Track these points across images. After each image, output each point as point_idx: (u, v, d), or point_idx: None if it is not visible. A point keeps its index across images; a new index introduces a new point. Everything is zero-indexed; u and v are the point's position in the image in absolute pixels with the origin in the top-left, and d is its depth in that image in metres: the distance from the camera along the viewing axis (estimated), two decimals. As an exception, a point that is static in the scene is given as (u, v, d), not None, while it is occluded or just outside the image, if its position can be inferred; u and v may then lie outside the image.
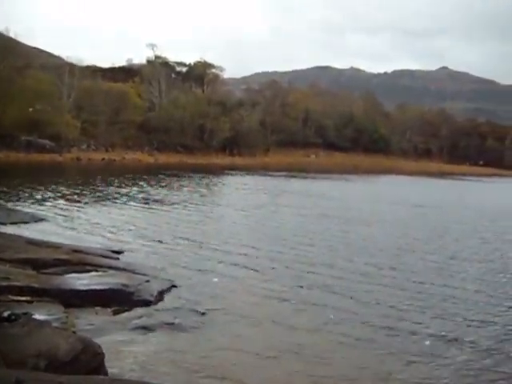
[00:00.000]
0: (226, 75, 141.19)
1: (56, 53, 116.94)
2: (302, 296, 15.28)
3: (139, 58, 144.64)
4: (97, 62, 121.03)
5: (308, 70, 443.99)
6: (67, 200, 33.98)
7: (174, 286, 15.48)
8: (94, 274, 15.01)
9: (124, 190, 42.86)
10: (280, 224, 29.16)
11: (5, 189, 37.24)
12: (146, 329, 12.04)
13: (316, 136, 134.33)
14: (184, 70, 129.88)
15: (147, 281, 15.04)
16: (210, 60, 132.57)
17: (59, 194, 36.81)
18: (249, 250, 21.34)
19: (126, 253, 19.37)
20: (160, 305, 13.81)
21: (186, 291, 15.22)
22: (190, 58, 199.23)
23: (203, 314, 13.31)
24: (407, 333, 12.82)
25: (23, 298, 12.02)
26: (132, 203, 34.69)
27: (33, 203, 31.26)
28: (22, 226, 23.36)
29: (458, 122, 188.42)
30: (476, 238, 28.14)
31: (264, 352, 11.20)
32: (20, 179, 46.43)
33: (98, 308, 12.93)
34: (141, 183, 50.14)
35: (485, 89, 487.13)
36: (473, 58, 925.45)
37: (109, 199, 36.09)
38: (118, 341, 11.12)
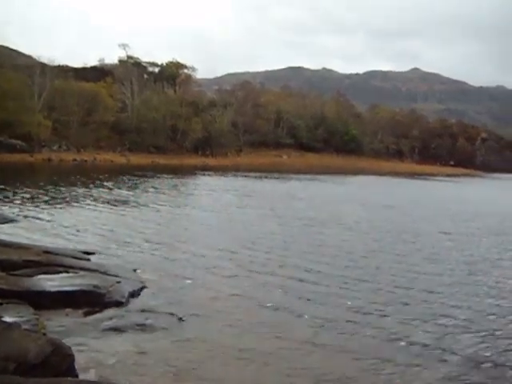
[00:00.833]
0: (198, 76, 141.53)
1: (27, 52, 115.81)
2: (273, 298, 15.24)
3: (111, 58, 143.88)
4: (68, 62, 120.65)
5: (280, 70, 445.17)
6: (38, 201, 33.71)
7: (146, 288, 15.43)
8: (64, 275, 14.84)
9: (95, 191, 42.61)
10: (249, 226, 29.00)
11: (-26, 190, 36.96)
12: (117, 330, 11.96)
13: (288, 137, 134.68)
14: (156, 70, 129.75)
15: (118, 282, 14.94)
16: (182, 60, 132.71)
17: (29, 195, 36.51)
18: (220, 252, 21.25)
19: (97, 254, 19.24)
20: (131, 306, 13.74)
21: (157, 292, 15.17)
22: (162, 59, 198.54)
23: (174, 315, 13.26)
24: (360, 330, 13.01)
25: (-8, 300, 11.89)
26: (103, 204, 34.47)
27: (2, 204, 30.94)
28: (-9, 227, 23.12)
29: (429, 122, 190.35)
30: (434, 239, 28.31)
31: (233, 354, 11.18)
32: (-11, 180, 45.96)
33: (68, 309, 12.80)
34: (112, 184, 49.81)
35: (456, 90, 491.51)
36: (444, 59, 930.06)
37: (80, 200, 35.81)
38: (89, 342, 11.04)
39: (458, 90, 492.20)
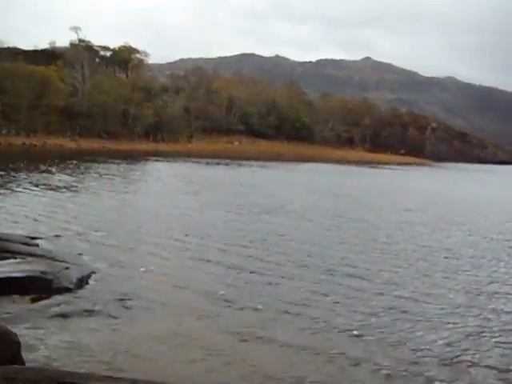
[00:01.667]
0: (150, 61, 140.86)
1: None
2: (222, 288, 15.22)
3: (63, 41, 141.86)
4: (18, 44, 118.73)
5: (233, 56, 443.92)
6: (-17, 186, 33.38)
7: (95, 273, 15.39)
8: (11, 261, 14.72)
9: (43, 176, 42.25)
10: (197, 213, 28.98)
11: None
12: (65, 316, 11.94)
13: (239, 123, 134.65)
14: (108, 54, 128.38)
15: (67, 268, 14.87)
16: (134, 45, 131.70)
17: (-25, 180, 36.13)
18: (167, 240, 21.25)
19: (45, 239, 19.12)
20: (80, 292, 13.71)
21: (107, 279, 15.15)
22: (114, 43, 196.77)
23: (123, 301, 13.30)
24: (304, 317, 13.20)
25: None
26: (49, 190, 34.14)
27: None
28: None
29: (380, 111, 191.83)
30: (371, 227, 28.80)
31: (176, 342, 11.22)
32: None
33: (15, 296, 12.73)
34: (61, 170, 49.42)
35: (407, 80, 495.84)
36: (396, 49, 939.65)
37: (26, 186, 35.33)
38: (36, 329, 11.02)
39: (410, 80, 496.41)
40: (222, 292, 14.74)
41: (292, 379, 9.89)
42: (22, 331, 9.93)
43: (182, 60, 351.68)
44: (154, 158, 76.60)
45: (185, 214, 28.40)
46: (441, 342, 12.09)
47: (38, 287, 13.27)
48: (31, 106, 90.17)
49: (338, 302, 14.50)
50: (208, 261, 18.27)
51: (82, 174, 47.91)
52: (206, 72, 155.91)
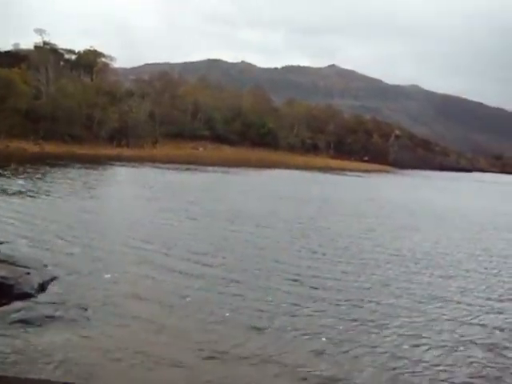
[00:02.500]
0: (116, 65, 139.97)
1: None
2: (188, 299, 15.32)
3: (27, 43, 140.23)
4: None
5: (199, 62, 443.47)
6: None
7: (56, 279, 15.45)
8: (-29, 266, 14.78)
9: (3, 181, 41.94)
10: (158, 220, 29.17)
11: None
12: (25, 322, 12.04)
13: (204, 128, 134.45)
14: (73, 57, 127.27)
15: (28, 273, 14.93)
16: (100, 49, 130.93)
17: None
18: (125, 247, 21.35)
19: (5, 244, 19.08)
20: (41, 298, 13.77)
21: (69, 285, 15.25)
22: (80, 46, 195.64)
23: (84, 308, 13.38)
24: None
25: None
26: (11, 194, 34.12)
27: None
28: None
29: (344, 118, 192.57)
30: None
31: (132, 354, 11.26)
32: None
33: (-25, 301, 12.71)
34: (22, 174, 49.10)
35: (371, 87, 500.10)
36: (361, 56, 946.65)
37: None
38: (-5, 334, 11.05)
39: (374, 88, 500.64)
40: (184, 302, 14.91)
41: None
42: (-19, 337, 9.99)
43: (147, 65, 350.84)
44: (118, 163, 76.22)
45: (147, 221, 28.48)
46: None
47: (-2, 292, 13.27)
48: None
49: (305, 314, 14.85)
50: (171, 270, 18.39)
51: (44, 178, 47.42)
52: (172, 77, 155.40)
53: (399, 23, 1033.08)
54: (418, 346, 13.00)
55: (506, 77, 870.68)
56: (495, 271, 22.42)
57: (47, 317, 12.50)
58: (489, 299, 17.89)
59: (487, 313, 16.34)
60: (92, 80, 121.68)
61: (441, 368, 11.80)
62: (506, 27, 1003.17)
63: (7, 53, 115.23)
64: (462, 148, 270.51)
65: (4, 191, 35.34)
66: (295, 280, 18.13)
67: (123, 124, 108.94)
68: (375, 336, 13.34)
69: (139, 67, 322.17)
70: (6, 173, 48.39)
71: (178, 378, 10.51)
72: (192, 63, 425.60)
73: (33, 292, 13.89)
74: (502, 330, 14.76)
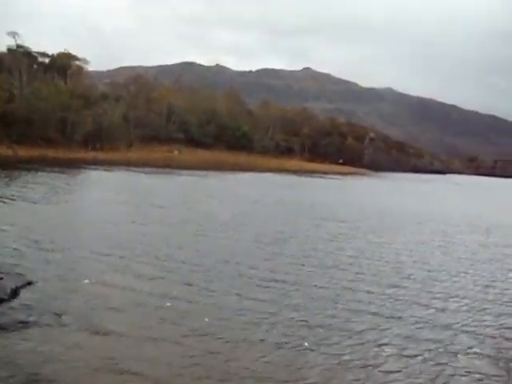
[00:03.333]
0: (90, 68, 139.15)
1: None
2: (164, 305, 15.32)
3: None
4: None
5: (174, 65, 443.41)
6: None
7: (31, 284, 15.43)
8: None
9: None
10: (130, 226, 29.28)
11: None
12: (-2, 327, 11.94)
13: (179, 132, 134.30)
14: (47, 60, 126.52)
15: (1, 278, 14.92)
16: (74, 52, 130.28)
17: None
18: (90, 253, 21.12)
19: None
20: (14, 303, 13.76)
21: (43, 289, 15.24)
22: (53, 49, 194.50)
23: (58, 314, 13.39)
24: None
25: None
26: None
27: None
28: None
29: (319, 121, 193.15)
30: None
31: (102, 362, 11.25)
32: None
33: None
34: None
35: (346, 90, 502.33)
36: (335, 59, 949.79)
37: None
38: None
39: (349, 91, 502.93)
40: (161, 310, 14.87)
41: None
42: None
43: (122, 68, 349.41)
44: (92, 167, 76.06)
45: (120, 227, 28.55)
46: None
47: (-30, 298, 13.24)
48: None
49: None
50: (147, 277, 18.35)
51: (16, 183, 47.12)
52: (146, 80, 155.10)
53: (374, 26, 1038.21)
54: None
55: (481, 80, 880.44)
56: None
57: (20, 322, 12.46)
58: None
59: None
60: (66, 83, 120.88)
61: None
62: (481, 31, 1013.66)
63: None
64: (436, 150, 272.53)
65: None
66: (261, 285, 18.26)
67: (97, 127, 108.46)
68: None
69: (114, 70, 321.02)
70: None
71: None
72: (167, 66, 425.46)
73: (6, 297, 13.89)
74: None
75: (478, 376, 12.19)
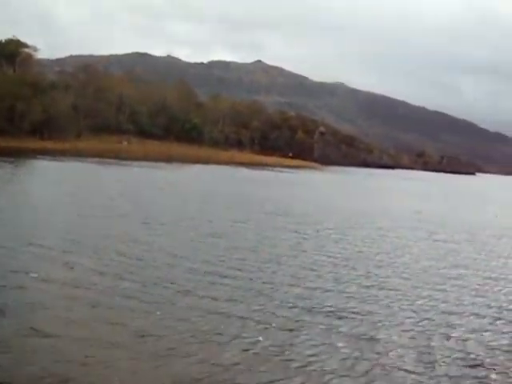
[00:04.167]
0: (39, 56, 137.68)
1: None
2: (112, 302, 15.02)
3: None
4: None
5: (125, 55, 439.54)
6: None
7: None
8: None
9: None
10: (74, 218, 29.15)
11: None
12: None
13: (129, 122, 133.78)
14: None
15: None
16: (23, 39, 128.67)
17: None
18: (31, 247, 20.69)
19: None
20: None
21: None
22: (1, 36, 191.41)
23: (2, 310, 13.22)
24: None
25: None
26: None
27: None
28: None
29: (269, 114, 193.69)
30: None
31: (44, 362, 10.91)
32: None
33: None
34: None
35: (297, 84, 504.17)
36: (287, 53, 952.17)
37: None
38: None
39: (300, 85, 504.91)
40: (107, 307, 14.56)
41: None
42: None
43: (72, 56, 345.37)
44: (40, 156, 75.28)
45: (67, 219, 28.30)
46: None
47: None
48: None
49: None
50: (95, 271, 18.00)
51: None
52: (97, 70, 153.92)
53: (324, 22, 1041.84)
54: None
55: (430, 76, 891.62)
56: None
57: None
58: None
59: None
60: (14, 71, 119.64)
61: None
62: (430, 29, 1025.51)
63: None
64: (385, 145, 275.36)
65: None
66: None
67: (46, 116, 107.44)
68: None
69: (63, 59, 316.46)
70: None
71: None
72: (118, 56, 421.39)
73: None
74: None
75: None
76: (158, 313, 14.20)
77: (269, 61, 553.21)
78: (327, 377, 11.21)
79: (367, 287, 18.80)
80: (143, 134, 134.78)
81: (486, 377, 11.94)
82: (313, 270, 20.78)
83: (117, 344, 11.93)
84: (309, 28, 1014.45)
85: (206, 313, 14.44)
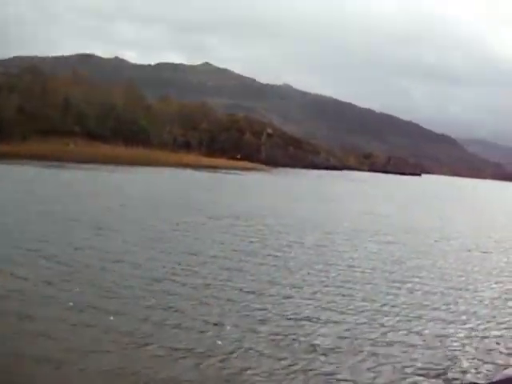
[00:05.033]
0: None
1: None
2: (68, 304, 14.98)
3: None
4: None
5: (71, 56, 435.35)
6: None
7: None
8: None
9: None
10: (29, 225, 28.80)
11: None
12: None
13: (76, 124, 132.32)
14: None
15: None
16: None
17: None
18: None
19: None
20: None
21: None
22: None
23: None
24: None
25: None
26: None
27: None
28: None
29: (217, 116, 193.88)
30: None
31: None
32: None
33: None
34: None
35: (245, 86, 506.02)
36: (235, 56, 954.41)
37: None
38: None
39: (248, 87, 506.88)
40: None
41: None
42: None
43: (16, 57, 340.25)
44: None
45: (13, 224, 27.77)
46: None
47: None
48: None
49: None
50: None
51: None
52: (42, 71, 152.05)
53: (271, 25, 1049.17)
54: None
55: (377, 79, 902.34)
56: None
57: None
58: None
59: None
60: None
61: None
62: (379, 34, 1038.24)
63: None
64: (332, 147, 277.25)
65: None
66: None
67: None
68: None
69: (7, 60, 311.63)
70: None
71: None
72: (64, 57, 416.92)
73: None
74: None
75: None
76: (112, 318, 14.01)
77: (217, 63, 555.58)
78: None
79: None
80: (91, 136, 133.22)
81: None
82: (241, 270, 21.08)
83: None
84: (256, 30, 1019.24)
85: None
